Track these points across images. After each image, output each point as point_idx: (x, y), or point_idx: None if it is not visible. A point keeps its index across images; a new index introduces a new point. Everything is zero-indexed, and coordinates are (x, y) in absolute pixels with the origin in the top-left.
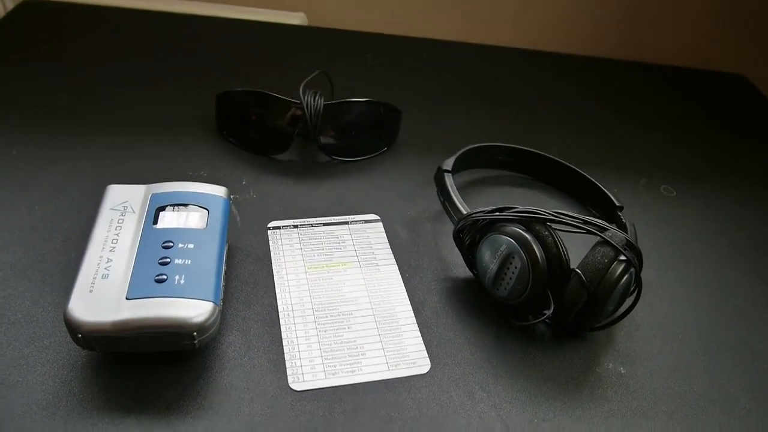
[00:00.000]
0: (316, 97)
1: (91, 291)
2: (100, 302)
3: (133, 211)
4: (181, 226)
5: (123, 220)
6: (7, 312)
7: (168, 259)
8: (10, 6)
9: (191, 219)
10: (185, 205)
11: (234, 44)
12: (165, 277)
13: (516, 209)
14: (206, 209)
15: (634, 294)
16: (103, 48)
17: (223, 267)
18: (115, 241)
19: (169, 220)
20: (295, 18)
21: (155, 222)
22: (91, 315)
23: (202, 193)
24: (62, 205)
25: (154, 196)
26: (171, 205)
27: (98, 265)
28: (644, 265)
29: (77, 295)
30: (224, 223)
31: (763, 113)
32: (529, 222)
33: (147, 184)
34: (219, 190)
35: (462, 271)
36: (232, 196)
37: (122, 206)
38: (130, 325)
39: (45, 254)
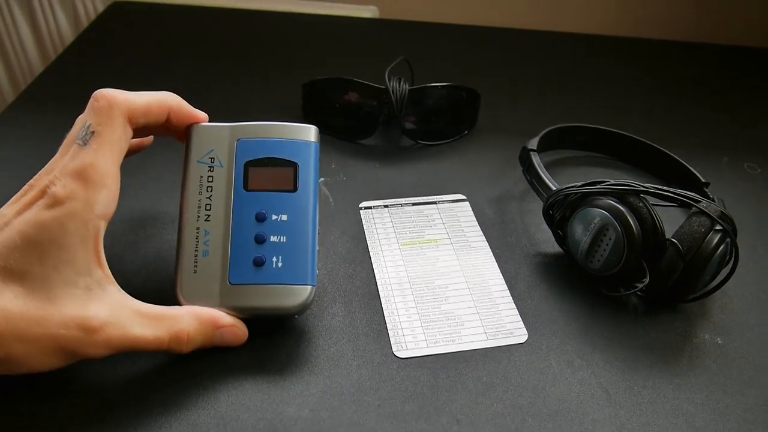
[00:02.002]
0: (401, 83)
1: (195, 272)
2: (204, 285)
3: (221, 165)
4: (273, 189)
5: (212, 177)
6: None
7: (263, 236)
8: (101, 8)
9: (281, 177)
10: (273, 161)
11: (309, 38)
12: (263, 259)
13: (608, 182)
14: (296, 163)
15: (730, 264)
16: (188, 46)
17: (317, 233)
18: (208, 207)
19: (260, 180)
20: (367, 11)
21: (245, 185)
22: (199, 299)
23: (290, 140)
24: (163, 190)
25: (241, 144)
26: (259, 161)
27: (197, 239)
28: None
29: (184, 277)
30: (316, 178)
31: None
32: (622, 194)
33: (231, 124)
34: (308, 133)
35: (551, 247)
36: (322, 179)
37: (209, 158)
38: (235, 310)
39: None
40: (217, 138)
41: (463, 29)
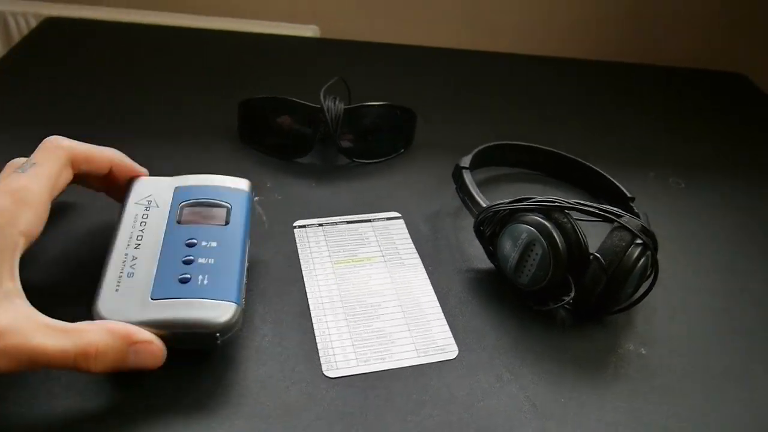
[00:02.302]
0: (336, 102)
1: (117, 290)
2: (125, 302)
3: (158, 206)
4: (204, 223)
5: (148, 215)
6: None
7: (191, 258)
8: (34, 23)
9: (214, 215)
10: (209, 200)
11: (250, 57)
12: (189, 277)
13: (535, 199)
14: (229, 204)
15: (651, 277)
16: (124, 62)
17: (246, 263)
18: (140, 238)
19: (193, 216)
20: (308, 30)
21: (179, 219)
22: (117, 315)
23: (224, 187)
24: (91, 212)
25: (179, 191)
26: (194, 202)
27: (124, 262)
28: (659, 252)
29: (104, 294)
30: (246, 217)
31: (762, 108)
32: (548, 210)
33: (172, 176)
34: (242, 183)
35: (483, 262)
36: (256, 198)
37: (147, 200)
38: (154, 325)
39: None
40: (157, 186)
41: (404, 49)
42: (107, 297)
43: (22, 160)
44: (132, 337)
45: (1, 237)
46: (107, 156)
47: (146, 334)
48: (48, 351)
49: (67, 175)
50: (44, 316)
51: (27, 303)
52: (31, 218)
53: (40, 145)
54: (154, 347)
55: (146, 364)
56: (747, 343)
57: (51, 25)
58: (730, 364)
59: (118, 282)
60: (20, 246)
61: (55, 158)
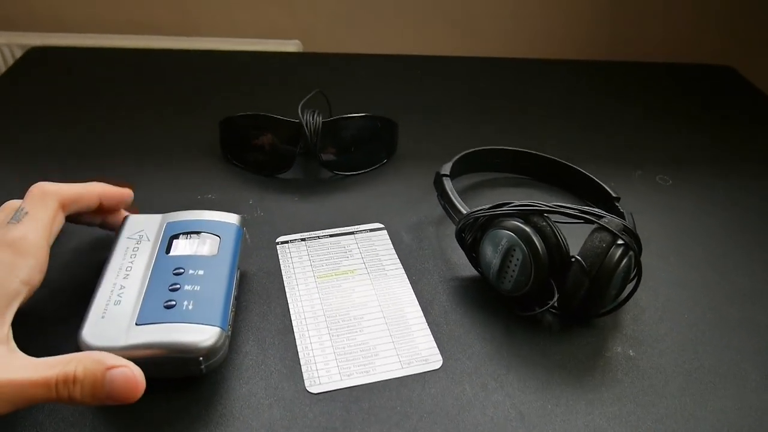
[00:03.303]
0: (315, 116)
1: (103, 317)
2: (110, 328)
3: (148, 239)
4: (194, 254)
5: (138, 248)
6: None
7: (178, 286)
8: (19, 53)
9: (203, 246)
10: (198, 233)
11: (233, 75)
12: (174, 302)
13: (514, 204)
14: (218, 236)
15: (636, 277)
16: (108, 87)
17: (234, 292)
18: (129, 269)
19: (182, 247)
20: (291, 45)
21: (168, 250)
22: (101, 340)
23: (215, 221)
24: (76, 239)
25: (169, 225)
26: (184, 233)
27: (111, 291)
28: (646, 251)
29: (90, 321)
30: (236, 249)
31: (750, 100)
32: (526, 215)
33: (163, 213)
34: (232, 218)
35: (467, 270)
36: (247, 235)
37: (138, 235)
38: (138, 349)
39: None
40: (148, 222)
41: (388, 59)
42: (93, 324)
43: (13, 204)
44: (106, 362)
45: (1, 288)
46: (95, 191)
47: (122, 360)
48: (32, 380)
49: (60, 219)
50: (30, 357)
51: (15, 348)
52: (32, 267)
53: (28, 193)
54: (129, 372)
55: (123, 392)
56: (736, 340)
57: (34, 54)
58: (719, 362)
59: (105, 310)
60: (21, 295)
61: (46, 205)
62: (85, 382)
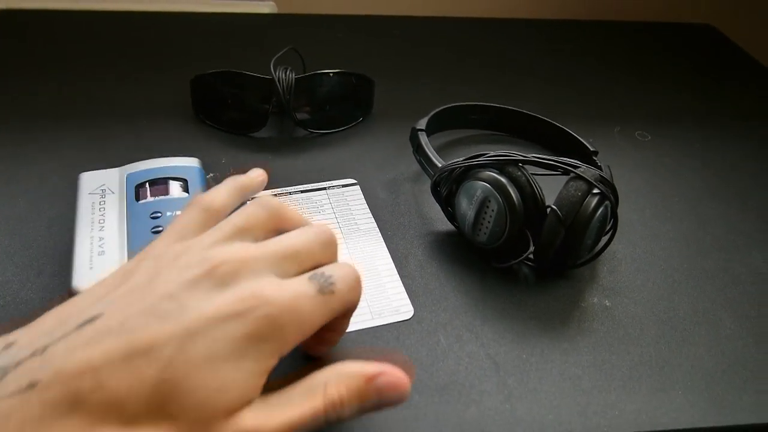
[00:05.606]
0: (288, 72)
1: (91, 268)
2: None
3: (113, 192)
4: (166, 197)
5: (104, 201)
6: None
7: (160, 227)
8: None
9: (173, 189)
10: (164, 179)
11: (207, 37)
12: None
13: (489, 155)
14: (184, 179)
15: (612, 229)
16: (80, 50)
17: None
18: (102, 222)
19: (151, 193)
20: (265, 7)
21: (138, 198)
22: None
23: (176, 165)
24: (44, 195)
25: (130, 175)
26: (150, 181)
27: (91, 244)
28: (624, 206)
29: (79, 272)
30: (204, 189)
31: (731, 57)
32: (501, 165)
33: (119, 167)
34: (192, 161)
35: (443, 224)
36: (210, 175)
37: (100, 189)
38: None
39: (30, 241)
40: (107, 176)
41: (364, 20)
42: (83, 274)
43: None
44: (364, 373)
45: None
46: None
47: (374, 366)
48: (302, 418)
49: None
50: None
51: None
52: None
53: (323, 236)
54: (391, 377)
55: (393, 399)
56: (711, 289)
57: (5, 18)
58: (694, 310)
59: (91, 261)
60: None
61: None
62: (351, 402)
